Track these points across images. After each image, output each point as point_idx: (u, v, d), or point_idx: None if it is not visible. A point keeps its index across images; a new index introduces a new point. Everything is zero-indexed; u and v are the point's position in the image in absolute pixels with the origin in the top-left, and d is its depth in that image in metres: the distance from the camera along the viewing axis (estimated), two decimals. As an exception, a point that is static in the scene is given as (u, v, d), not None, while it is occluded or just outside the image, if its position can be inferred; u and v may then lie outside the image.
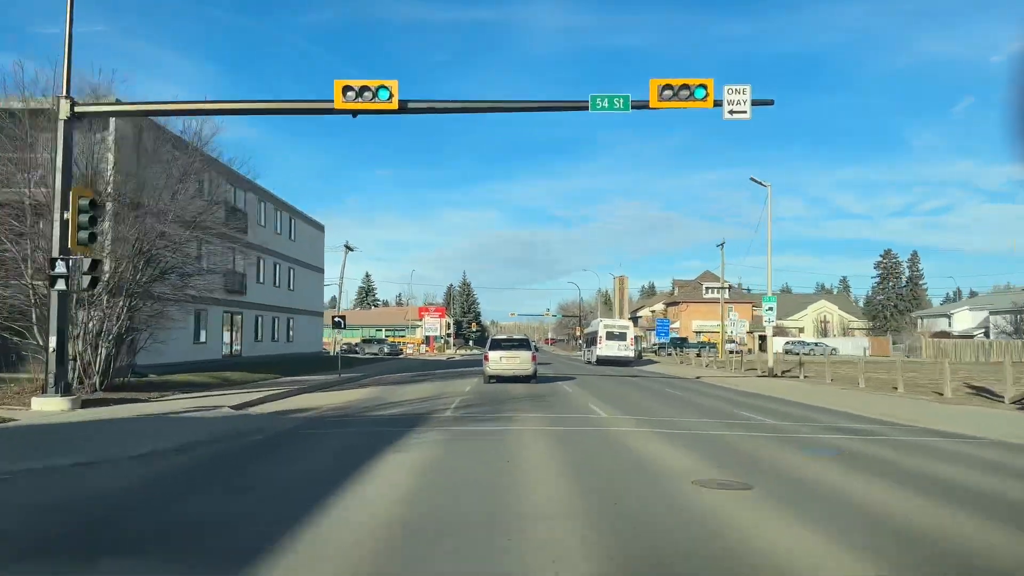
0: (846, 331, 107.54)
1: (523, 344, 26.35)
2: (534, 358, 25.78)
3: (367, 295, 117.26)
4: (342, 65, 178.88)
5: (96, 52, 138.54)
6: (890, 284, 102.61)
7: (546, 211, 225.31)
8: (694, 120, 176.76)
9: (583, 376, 33.69)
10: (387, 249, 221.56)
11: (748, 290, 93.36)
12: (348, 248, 61.70)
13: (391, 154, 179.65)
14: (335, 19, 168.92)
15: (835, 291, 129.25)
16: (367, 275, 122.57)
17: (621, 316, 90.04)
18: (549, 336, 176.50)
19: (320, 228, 50.96)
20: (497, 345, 26.17)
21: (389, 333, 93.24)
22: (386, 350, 66.61)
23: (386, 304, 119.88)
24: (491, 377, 25.52)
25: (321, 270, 50.84)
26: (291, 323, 43.56)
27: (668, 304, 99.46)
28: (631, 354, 49.62)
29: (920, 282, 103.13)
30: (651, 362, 55.13)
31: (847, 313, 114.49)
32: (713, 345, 66.98)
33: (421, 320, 74.33)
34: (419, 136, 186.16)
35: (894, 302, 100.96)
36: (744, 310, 79.07)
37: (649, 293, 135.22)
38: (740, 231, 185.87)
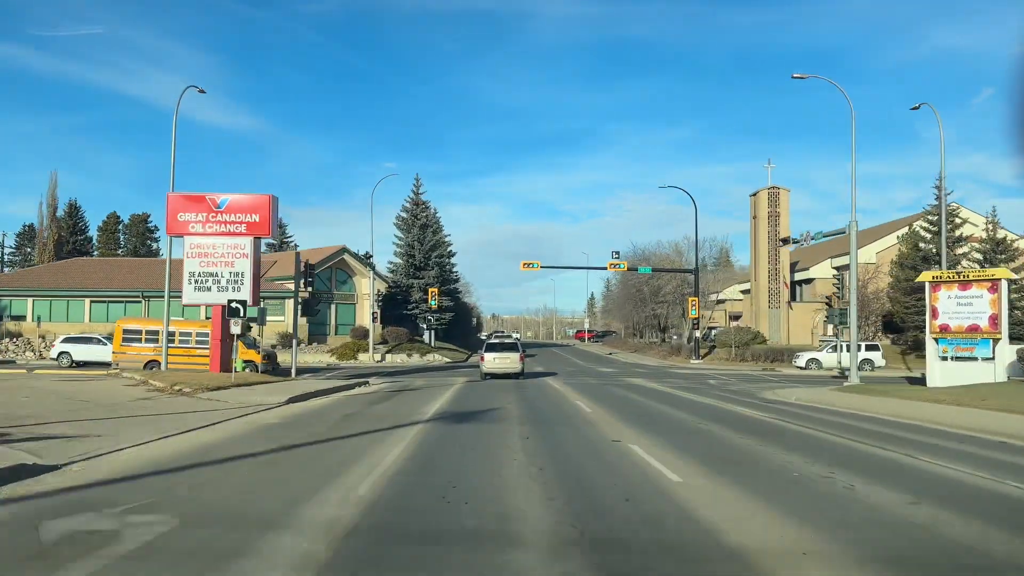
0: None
1: (512, 347, 31.37)
2: (522, 358, 30.39)
3: (278, 248, 64.04)
4: (349, 56, 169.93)
5: (95, 43, 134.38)
6: None
7: (552, 205, 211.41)
8: (701, 113, 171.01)
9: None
10: (387, 242, 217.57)
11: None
12: None
13: (395, 147, 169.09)
14: (342, 8, 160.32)
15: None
16: (281, 225, 63.88)
17: (776, 266, 49.81)
18: (585, 328, 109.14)
19: None
20: (491, 348, 31.11)
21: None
22: None
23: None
24: (486, 374, 29.52)
25: None
26: None
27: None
28: None
29: None
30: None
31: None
32: None
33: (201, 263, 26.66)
34: (423, 127, 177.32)
35: None
36: None
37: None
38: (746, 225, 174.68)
